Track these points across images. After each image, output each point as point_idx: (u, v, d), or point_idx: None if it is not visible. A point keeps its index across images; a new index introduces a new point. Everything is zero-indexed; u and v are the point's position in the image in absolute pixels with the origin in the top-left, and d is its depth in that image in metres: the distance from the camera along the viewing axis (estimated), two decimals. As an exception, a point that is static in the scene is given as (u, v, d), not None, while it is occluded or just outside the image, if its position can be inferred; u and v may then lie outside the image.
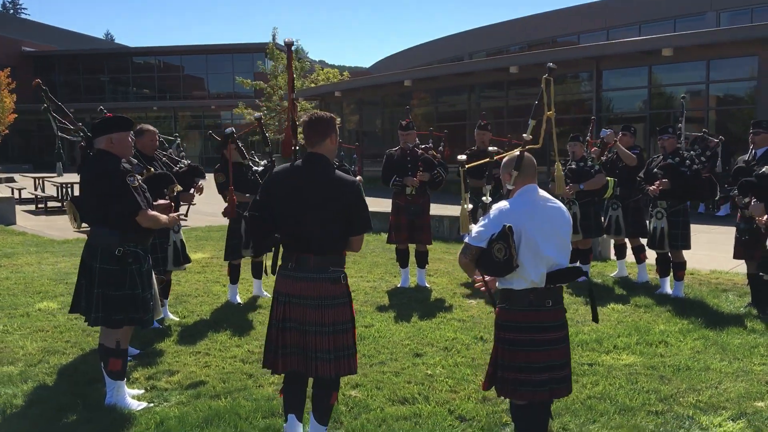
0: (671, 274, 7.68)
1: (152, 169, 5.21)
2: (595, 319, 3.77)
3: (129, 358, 5.57)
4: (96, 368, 5.36)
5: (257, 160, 7.62)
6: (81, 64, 52.69)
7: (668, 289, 7.69)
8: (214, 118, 50.68)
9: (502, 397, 3.85)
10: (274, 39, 39.51)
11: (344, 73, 36.41)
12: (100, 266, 4.54)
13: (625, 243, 8.74)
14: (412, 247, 8.36)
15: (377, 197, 13.51)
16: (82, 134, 4.68)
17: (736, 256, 7.06)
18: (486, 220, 3.67)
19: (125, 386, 4.78)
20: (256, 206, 4.00)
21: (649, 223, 7.68)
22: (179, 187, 5.44)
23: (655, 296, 7.53)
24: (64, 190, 18.74)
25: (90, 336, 6.24)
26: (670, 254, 7.60)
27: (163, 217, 4.78)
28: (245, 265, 7.78)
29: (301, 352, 3.82)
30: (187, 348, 5.89)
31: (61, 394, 4.86)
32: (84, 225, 5.47)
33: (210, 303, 7.46)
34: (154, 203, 4.81)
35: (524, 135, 3.85)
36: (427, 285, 8.26)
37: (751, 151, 6.85)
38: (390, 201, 8.36)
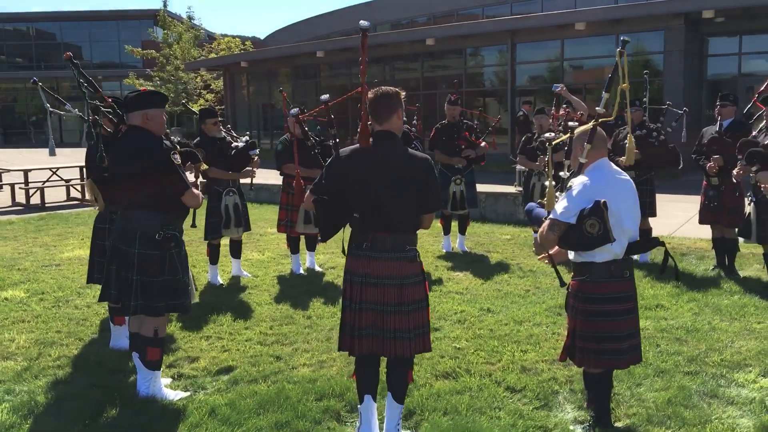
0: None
1: (178, 147, 4.89)
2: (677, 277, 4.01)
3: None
4: (109, 358, 5.11)
5: (236, 135, 7.32)
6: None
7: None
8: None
9: (582, 367, 3.94)
10: (165, 6, 37.88)
11: (246, 43, 35.39)
12: (139, 251, 4.26)
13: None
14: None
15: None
16: (111, 110, 4.33)
17: (702, 221, 7.50)
18: (570, 196, 3.72)
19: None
20: (322, 189, 3.83)
21: (618, 192, 8.02)
22: (205, 165, 5.17)
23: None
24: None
25: (81, 325, 5.87)
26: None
27: (201, 195, 4.55)
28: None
29: (378, 333, 3.75)
30: (194, 333, 5.64)
31: (87, 387, 4.55)
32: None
33: (192, 285, 7.16)
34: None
35: (597, 108, 3.91)
36: (404, 258, 8.27)
37: (718, 122, 7.26)
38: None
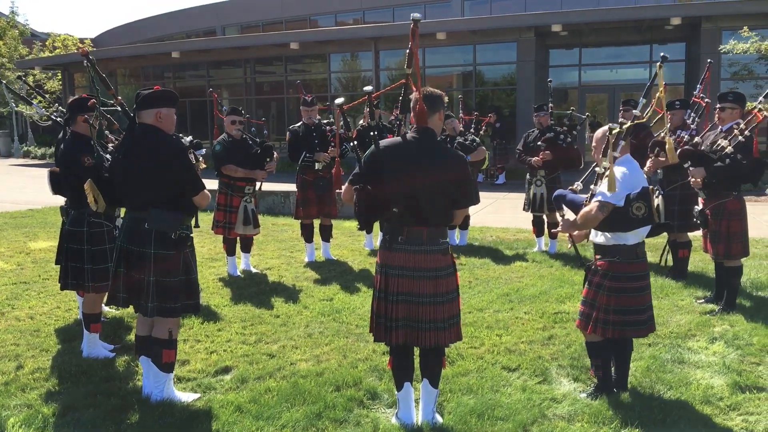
0: (546, 233, 8.80)
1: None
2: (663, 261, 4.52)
3: (112, 355, 5.13)
4: (93, 367, 4.92)
5: (181, 135, 7.11)
6: None
7: (543, 247, 8.82)
8: None
9: (609, 336, 4.36)
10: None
11: (86, 41, 33.29)
12: (155, 252, 4.16)
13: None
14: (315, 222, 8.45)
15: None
16: (121, 109, 4.17)
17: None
18: (618, 182, 4.13)
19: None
20: (362, 179, 3.93)
21: (529, 189, 8.72)
22: (203, 165, 5.04)
23: (536, 253, 8.59)
24: None
25: (37, 337, 5.54)
26: (546, 216, 8.71)
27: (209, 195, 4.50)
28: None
29: (414, 324, 3.89)
30: (167, 337, 5.48)
31: (88, 397, 4.37)
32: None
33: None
34: None
35: (634, 111, 4.41)
36: (333, 257, 8.44)
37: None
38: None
